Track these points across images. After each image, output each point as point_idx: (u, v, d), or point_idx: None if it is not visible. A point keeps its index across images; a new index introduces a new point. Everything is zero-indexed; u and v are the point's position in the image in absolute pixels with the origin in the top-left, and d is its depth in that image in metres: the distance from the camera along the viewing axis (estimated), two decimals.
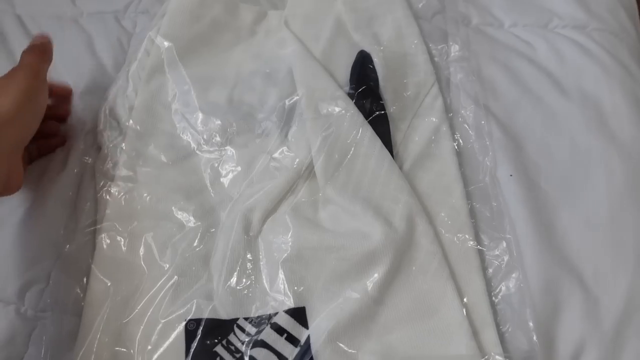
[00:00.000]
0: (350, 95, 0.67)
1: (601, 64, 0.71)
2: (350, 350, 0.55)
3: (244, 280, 0.60)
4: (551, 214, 0.62)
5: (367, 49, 0.71)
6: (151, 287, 0.60)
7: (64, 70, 0.74)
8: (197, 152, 0.68)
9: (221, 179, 0.67)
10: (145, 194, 0.66)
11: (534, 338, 0.56)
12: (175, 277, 0.60)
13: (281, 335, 0.56)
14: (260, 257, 0.61)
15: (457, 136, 0.68)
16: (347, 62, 0.71)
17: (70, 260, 0.62)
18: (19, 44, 0.78)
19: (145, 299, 0.60)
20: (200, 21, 0.77)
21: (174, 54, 0.73)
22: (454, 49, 0.73)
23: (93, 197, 0.66)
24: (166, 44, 0.73)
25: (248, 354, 0.56)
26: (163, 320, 0.58)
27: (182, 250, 0.62)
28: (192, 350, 0.57)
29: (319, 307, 0.57)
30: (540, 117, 0.68)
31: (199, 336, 0.57)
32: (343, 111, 0.66)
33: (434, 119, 0.68)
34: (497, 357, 0.54)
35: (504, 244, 0.61)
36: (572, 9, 0.76)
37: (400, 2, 0.75)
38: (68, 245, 0.62)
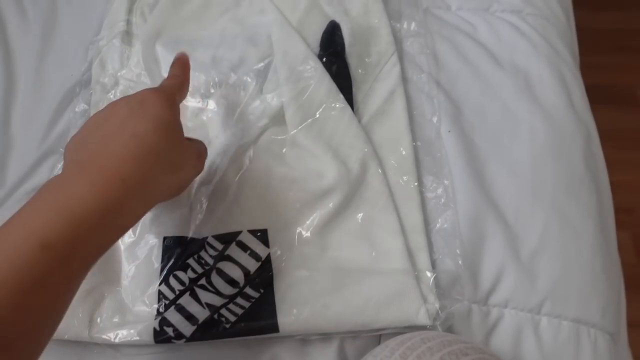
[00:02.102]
0: (320, 57, 0.70)
1: (532, 42, 0.74)
2: (304, 263, 0.58)
3: (218, 206, 0.63)
4: (482, 164, 0.65)
5: (337, 19, 0.72)
6: None
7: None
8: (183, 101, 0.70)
9: (202, 125, 0.68)
10: None
11: (460, 262, 0.59)
12: None
13: (245, 251, 0.59)
14: (234, 186, 0.64)
15: (409, 98, 0.71)
16: (319, 30, 0.72)
17: None
18: (12, 15, 0.79)
19: None
20: (191, 1, 0.79)
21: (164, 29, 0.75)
22: (412, 26, 0.76)
23: None
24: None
25: (216, 266, 0.59)
26: (145, 238, 0.61)
27: None
28: (168, 261, 0.60)
29: (280, 230, 0.60)
30: (478, 84, 0.71)
31: (174, 251, 0.60)
32: (312, 69, 0.68)
33: (391, 83, 0.70)
34: (427, 272, 0.58)
35: (442, 187, 0.64)
36: None
37: None
38: None
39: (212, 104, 0.69)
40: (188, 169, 0.55)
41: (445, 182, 0.63)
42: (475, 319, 0.58)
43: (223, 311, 0.57)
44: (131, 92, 0.66)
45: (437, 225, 0.61)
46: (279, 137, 0.66)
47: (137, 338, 0.56)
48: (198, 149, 0.57)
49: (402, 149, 0.65)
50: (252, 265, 0.59)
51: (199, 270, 0.59)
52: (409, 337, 0.48)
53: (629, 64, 1.62)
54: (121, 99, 0.51)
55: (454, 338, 0.48)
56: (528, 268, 0.60)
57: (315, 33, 0.72)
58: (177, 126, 0.52)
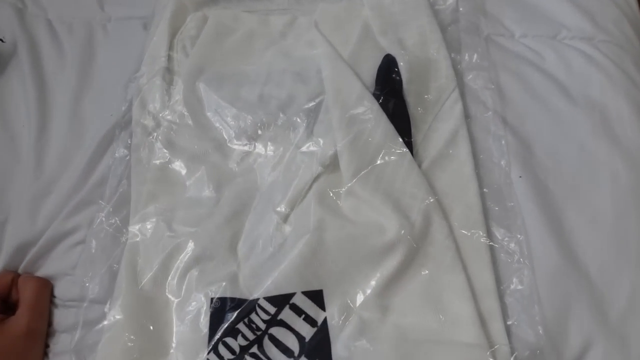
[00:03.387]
0: (376, 97, 0.64)
1: (606, 73, 0.68)
2: (364, 332, 0.53)
3: (270, 264, 0.58)
4: (559, 214, 0.59)
5: (393, 53, 0.67)
6: (178, 267, 0.59)
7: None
8: (229, 144, 0.66)
9: (250, 170, 0.64)
10: (178, 181, 0.64)
11: (540, 331, 0.53)
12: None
13: (299, 315, 0.54)
14: (286, 243, 0.59)
15: (474, 139, 0.65)
16: (374, 65, 0.67)
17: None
18: (48, 48, 0.75)
19: (176, 275, 0.58)
20: (234, 34, 0.74)
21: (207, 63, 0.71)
22: (474, 58, 0.70)
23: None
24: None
25: (268, 332, 0.54)
26: (191, 298, 0.57)
27: (210, 232, 0.60)
28: (217, 326, 0.55)
29: (336, 291, 0.55)
30: (549, 122, 0.65)
31: (223, 313, 0.56)
32: (368, 110, 0.63)
33: (453, 122, 0.65)
34: (503, 347, 0.52)
35: (515, 241, 0.58)
36: (579, 21, 0.72)
37: (425, 10, 0.71)
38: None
39: (259, 147, 0.64)
40: None
41: (519, 236, 0.57)
42: None
43: None
44: (173, 134, 0.63)
45: (512, 287, 0.56)
46: (333, 187, 0.61)
47: None
48: None
49: (468, 198, 0.60)
50: (307, 332, 0.54)
51: (250, 336, 0.55)
52: None
53: None
54: None
55: None
56: (619, 332, 0.54)
57: (370, 68, 0.68)
58: None
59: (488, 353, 0.51)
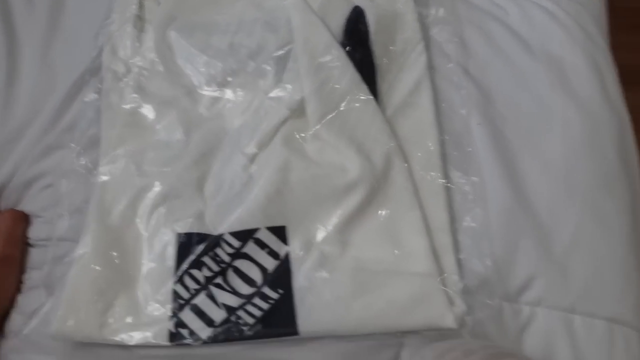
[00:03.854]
0: (343, 46, 0.67)
1: (567, 29, 0.70)
2: (324, 264, 0.56)
3: (236, 202, 0.61)
4: (514, 159, 0.63)
5: (361, 5, 0.69)
6: (147, 205, 0.61)
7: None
8: (198, 90, 0.68)
9: (219, 115, 0.66)
10: (147, 124, 0.65)
11: (489, 263, 0.57)
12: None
13: (263, 249, 0.57)
14: (252, 182, 0.61)
15: (437, 89, 0.67)
16: (342, 17, 0.69)
17: None
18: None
19: (145, 212, 0.61)
20: None
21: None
22: (440, 12, 0.72)
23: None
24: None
25: (232, 264, 0.57)
26: (158, 233, 0.59)
27: (178, 173, 0.62)
28: (183, 259, 0.58)
29: (299, 227, 0.58)
30: (509, 74, 0.68)
31: (189, 247, 0.58)
32: (335, 59, 0.65)
33: (417, 73, 0.67)
34: (453, 276, 0.56)
35: (470, 183, 0.61)
36: None
37: None
38: None
39: (229, 94, 0.67)
40: None
41: (474, 178, 0.61)
42: (507, 317, 0.57)
43: (240, 312, 0.56)
44: (144, 80, 0.64)
45: (464, 224, 0.59)
46: (300, 130, 0.63)
47: (153, 341, 0.55)
48: None
49: (429, 143, 0.63)
50: (270, 264, 0.57)
51: (215, 268, 0.57)
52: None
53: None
54: None
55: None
56: (561, 266, 0.58)
57: (338, 19, 0.70)
58: None
59: (438, 280, 0.54)
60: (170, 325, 0.55)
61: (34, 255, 0.62)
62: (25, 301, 0.60)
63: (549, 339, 0.56)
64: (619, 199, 0.62)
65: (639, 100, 0.80)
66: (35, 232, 0.63)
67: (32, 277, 0.62)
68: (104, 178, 0.62)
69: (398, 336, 0.55)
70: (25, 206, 0.64)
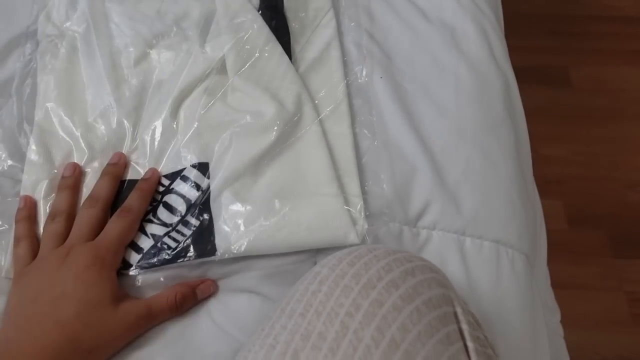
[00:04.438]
0: (259, 11, 0.74)
1: (458, 1, 0.80)
2: (239, 194, 0.63)
3: (165, 148, 0.67)
4: (412, 106, 0.71)
5: None
6: (83, 155, 0.66)
7: None
8: (126, 51, 0.73)
9: (146, 72, 0.72)
10: (81, 82, 0.71)
11: (384, 186, 0.65)
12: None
13: (186, 182, 0.63)
14: (178, 128, 0.68)
15: (344, 50, 0.76)
16: None
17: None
18: None
19: (82, 163, 0.66)
20: None
21: None
22: None
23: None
24: None
25: (162, 200, 0.63)
26: (95, 181, 0.65)
27: (112, 127, 0.68)
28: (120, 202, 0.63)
29: (219, 164, 0.64)
30: (408, 37, 0.77)
31: (124, 191, 0.64)
32: (251, 20, 0.73)
33: (327, 35, 0.75)
34: (355, 199, 0.63)
35: (372, 124, 0.69)
36: None
37: None
38: None
39: (154, 54, 0.73)
40: (116, 343, 0.55)
41: (374, 119, 0.68)
42: (406, 239, 0.63)
43: (166, 239, 0.61)
44: (77, 43, 0.70)
45: (366, 158, 0.67)
46: (220, 85, 0.70)
47: None
48: (137, 314, 0.55)
49: (336, 93, 0.71)
50: (193, 195, 0.63)
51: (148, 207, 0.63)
52: (356, 248, 0.51)
53: (560, 46, 1.72)
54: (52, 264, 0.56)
55: (398, 249, 0.52)
56: (453, 195, 0.66)
57: None
58: (105, 304, 0.54)
59: (341, 200, 0.61)
60: None
61: None
62: None
63: (443, 258, 0.63)
64: (505, 141, 0.71)
65: None
66: None
67: None
68: (40, 124, 0.67)
69: (311, 254, 0.62)
70: None
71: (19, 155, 0.67)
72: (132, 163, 0.67)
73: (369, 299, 0.44)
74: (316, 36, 0.76)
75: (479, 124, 0.71)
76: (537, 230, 0.74)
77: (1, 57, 0.73)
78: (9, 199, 0.64)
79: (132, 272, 0.60)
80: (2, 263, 0.61)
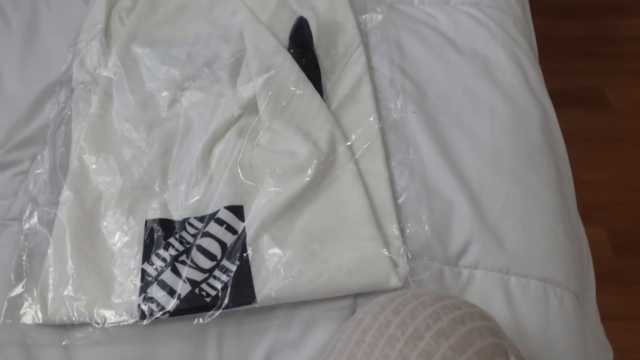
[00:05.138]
0: (289, 51, 0.74)
1: (489, 30, 0.79)
2: (276, 238, 0.62)
3: (198, 190, 0.67)
4: (447, 140, 0.70)
5: (305, 15, 0.78)
6: (114, 196, 0.66)
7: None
8: (158, 95, 0.74)
9: (177, 115, 0.72)
10: (113, 127, 0.72)
11: (426, 227, 0.63)
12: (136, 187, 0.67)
13: (222, 225, 0.63)
14: (211, 171, 0.67)
15: (375, 86, 0.75)
16: (288, 27, 0.77)
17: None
18: None
19: (111, 204, 0.66)
20: (166, 6, 0.84)
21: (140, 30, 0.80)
22: (377, 19, 0.81)
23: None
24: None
25: (196, 243, 0.62)
26: (126, 221, 0.65)
27: (144, 167, 0.68)
28: (151, 242, 0.63)
29: (254, 206, 0.64)
30: (440, 70, 0.76)
31: (156, 231, 0.63)
32: (282, 60, 0.73)
33: (358, 71, 0.75)
34: (395, 241, 0.61)
35: (408, 162, 0.68)
36: None
37: None
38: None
39: (186, 96, 0.73)
40: None
41: (410, 157, 0.67)
42: (448, 279, 0.62)
43: (203, 286, 0.60)
44: (109, 88, 0.71)
45: (404, 198, 0.65)
46: (253, 125, 0.70)
47: (123, 318, 0.58)
48: None
49: (369, 130, 0.70)
50: (229, 239, 0.62)
51: (180, 248, 0.63)
52: (400, 294, 0.49)
53: (595, 69, 1.68)
54: None
55: (445, 294, 0.50)
56: (494, 232, 0.64)
57: (285, 29, 0.78)
58: None
59: (382, 243, 0.60)
60: (139, 300, 0.59)
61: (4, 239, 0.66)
62: None
63: (487, 298, 0.61)
64: (544, 174, 0.69)
65: None
66: (4, 211, 0.67)
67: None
68: (74, 169, 0.68)
69: (351, 298, 0.60)
70: None
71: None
72: (163, 204, 0.66)
73: (417, 351, 0.42)
74: (347, 72, 0.75)
75: (517, 156, 0.69)
76: (585, 265, 0.71)
77: (38, 104, 0.74)
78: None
79: (166, 317, 0.59)
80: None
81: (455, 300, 0.47)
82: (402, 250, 0.61)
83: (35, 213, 0.66)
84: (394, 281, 0.59)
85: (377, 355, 0.42)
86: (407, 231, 0.63)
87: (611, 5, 1.80)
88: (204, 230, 0.63)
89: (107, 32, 0.81)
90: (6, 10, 0.85)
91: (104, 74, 0.75)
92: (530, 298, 0.61)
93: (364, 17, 0.81)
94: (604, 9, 1.80)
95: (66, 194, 0.67)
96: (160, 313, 0.59)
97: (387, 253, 0.60)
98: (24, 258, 0.64)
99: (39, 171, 0.69)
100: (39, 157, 0.70)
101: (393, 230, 0.62)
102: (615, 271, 1.37)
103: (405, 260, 0.61)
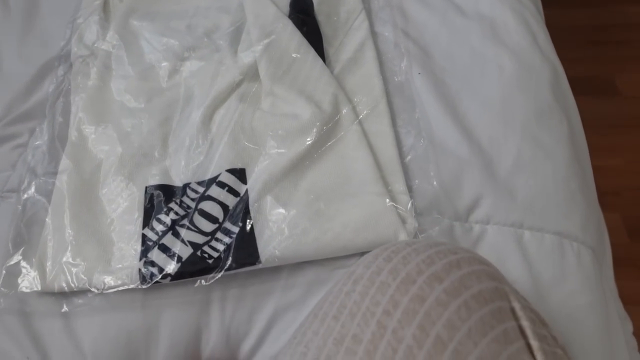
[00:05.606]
0: (290, 17, 0.73)
1: None
2: (280, 198, 0.60)
3: (198, 154, 0.65)
4: (454, 100, 0.68)
5: None
6: (113, 164, 0.65)
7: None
8: (158, 65, 0.73)
9: (178, 84, 0.71)
10: (112, 98, 0.70)
11: (434, 183, 0.61)
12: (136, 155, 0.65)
13: (223, 188, 0.60)
14: (211, 135, 0.66)
15: (379, 50, 0.73)
16: None
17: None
18: None
19: (111, 172, 0.64)
20: None
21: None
22: None
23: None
24: None
25: (198, 207, 0.60)
26: (125, 187, 0.63)
27: (143, 135, 0.66)
28: (152, 207, 0.61)
29: (256, 168, 0.62)
30: (445, 32, 0.74)
31: (157, 198, 0.62)
32: (283, 26, 0.71)
33: (360, 36, 0.73)
34: (403, 196, 0.59)
35: (414, 122, 0.66)
36: None
37: None
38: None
39: (186, 66, 0.72)
40: None
41: (417, 117, 0.65)
42: (458, 235, 0.59)
43: (205, 248, 0.58)
44: (108, 61, 0.70)
45: (410, 156, 0.63)
46: (254, 90, 0.68)
47: (124, 282, 0.57)
48: None
49: (374, 92, 0.68)
50: (231, 201, 0.60)
51: (181, 212, 0.61)
52: (393, 244, 0.46)
53: (603, 56, 1.66)
54: None
55: (440, 241, 0.48)
56: (506, 186, 0.61)
57: None
58: None
59: (388, 199, 0.57)
60: (140, 265, 0.57)
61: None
62: None
63: (500, 254, 0.58)
64: (556, 129, 0.67)
65: None
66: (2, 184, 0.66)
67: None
68: (73, 140, 0.66)
69: (356, 257, 0.58)
70: None
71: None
72: (164, 171, 0.64)
73: (409, 295, 0.39)
74: (349, 38, 0.74)
75: (527, 114, 0.67)
76: (602, 226, 0.68)
77: (37, 79, 0.73)
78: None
79: (168, 280, 0.57)
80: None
81: (450, 246, 0.44)
82: (409, 205, 0.58)
83: (34, 183, 0.65)
84: (402, 237, 0.56)
85: (368, 303, 0.40)
86: (415, 187, 0.61)
87: None
88: (206, 194, 0.61)
89: (105, 8, 0.80)
90: None
91: (103, 47, 0.74)
92: (546, 252, 0.58)
93: None
94: None
95: (65, 162, 0.65)
96: (161, 276, 0.57)
97: (394, 207, 0.58)
98: (22, 227, 0.62)
99: (38, 142, 0.68)
100: (37, 130, 0.69)
101: (400, 186, 0.60)
102: (632, 256, 1.34)
103: (414, 215, 0.58)
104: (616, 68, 1.64)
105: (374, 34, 0.74)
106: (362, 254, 0.57)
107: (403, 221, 0.57)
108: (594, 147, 0.75)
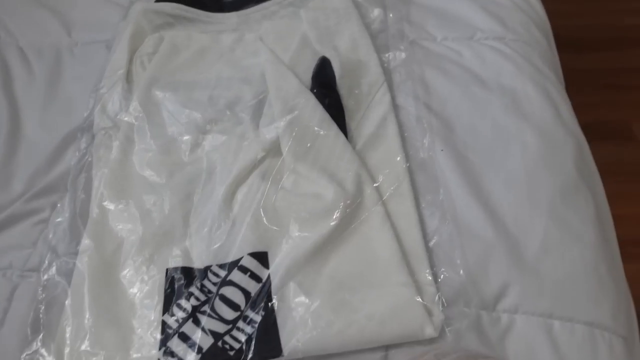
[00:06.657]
0: (312, 91, 0.72)
1: (515, 63, 0.76)
2: (303, 285, 0.58)
3: (220, 235, 0.63)
4: (478, 178, 0.66)
5: (327, 55, 0.75)
6: (134, 244, 0.63)
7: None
8: (180, 139, 0.72)
9: (199, 159, 0.70)
10: (134, 172, 0.69)
11: (461, 272, 0.58)
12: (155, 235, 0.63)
13: (245, 273, 0.59)
14: (233, 215, 0.64)
15: (401, 124, 0.72)
16: (310, 67, 0.75)
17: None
18: (18, 69, 0.83)
19: (132, 253, 0.62)
20: (188, 49, 0.82)
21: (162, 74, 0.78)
22: (400, 57, 0.78)
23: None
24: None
25: (219, 292, 0.58)
26: (146, 270, 0.61)
27: (165, 213, 0.65)
28: (172, 292, 0.59)
29: (279, 252, 0.60)
30: (467, 106, 0.73)
31: (178, 282, 0.60)
32: (305, 101, 0.70)
33: (382, 110, 0.72)
34: (429, 287, 0.57)
35: (438, 203, 0.64)
36: (491, 25, 0.82)
37: (356, 21, 0.81)
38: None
39: (208, 139, 0.70)
40: None
41: (441, 197, 0.63)
42: (486, 326, 0.57)
43: (227, 338, 0.56)
44: (130, 133, 0.68)
45: (435, 240, 0.61)
46: (276, 167, 0.67)
47: None
48: None
49: (396, 170, 0.66)
50: (253, 287, 0.58)
51: (202, 297, 0.59)
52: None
53: (619, 100, 1.64)
54: None
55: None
56: (533, 271, 0.59)
57: (307, 70, 0.76)
58: None
59: (414, 290, 0.55)
60: (159, 355, 0.56)
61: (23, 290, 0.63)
62: None
63: (530, 345, 0.56)
64: (583, 209, 0.65)
65: None
66: (22, 262, 0.64)
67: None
68: (94, 217, 0.65)
69: (382, 350, 0.55)
70: (15, 237, 0.67)
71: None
72: (185, 251, 0.63)
73: None
74: (371, 112, 0.72)
75: (552, 192, 0.65)
76: (630, 306, 0.65)
77: (59, 151, 0.73)
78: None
79: None
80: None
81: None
82: (436, 298, 0.56)
83: (54, 264, 0.63)
84: (429, 331, 0.54)
85: None
86: (441, 276, 0.59)
87: (627, 37, 1.75)
88: (227, 279, 0.59)
89: (129, 77, 0.79)
90: (31, 60, 0.84)
91: (125, 119, 0.73)
92: (577, 344, 0.56)
93: (387, 55, 0.78)
94: (621, 40, 1.77)
95: (86, 242, 0.64)
96: None
97: (420, 301, 0.56)
98: (41, 311, 0.60)
99: (59, 220, 0.66)
100: (59, 205, 0.67)
101: (426, 275, 0.58)
102: None
103: (440, 309, 0.56)
104: (632, 113, 1.62)
105: (395, 107, 0.73)
106: (387, 346, 0.55)
107: (429, 314, 0.55)
108: (610, 195, 0.73)
